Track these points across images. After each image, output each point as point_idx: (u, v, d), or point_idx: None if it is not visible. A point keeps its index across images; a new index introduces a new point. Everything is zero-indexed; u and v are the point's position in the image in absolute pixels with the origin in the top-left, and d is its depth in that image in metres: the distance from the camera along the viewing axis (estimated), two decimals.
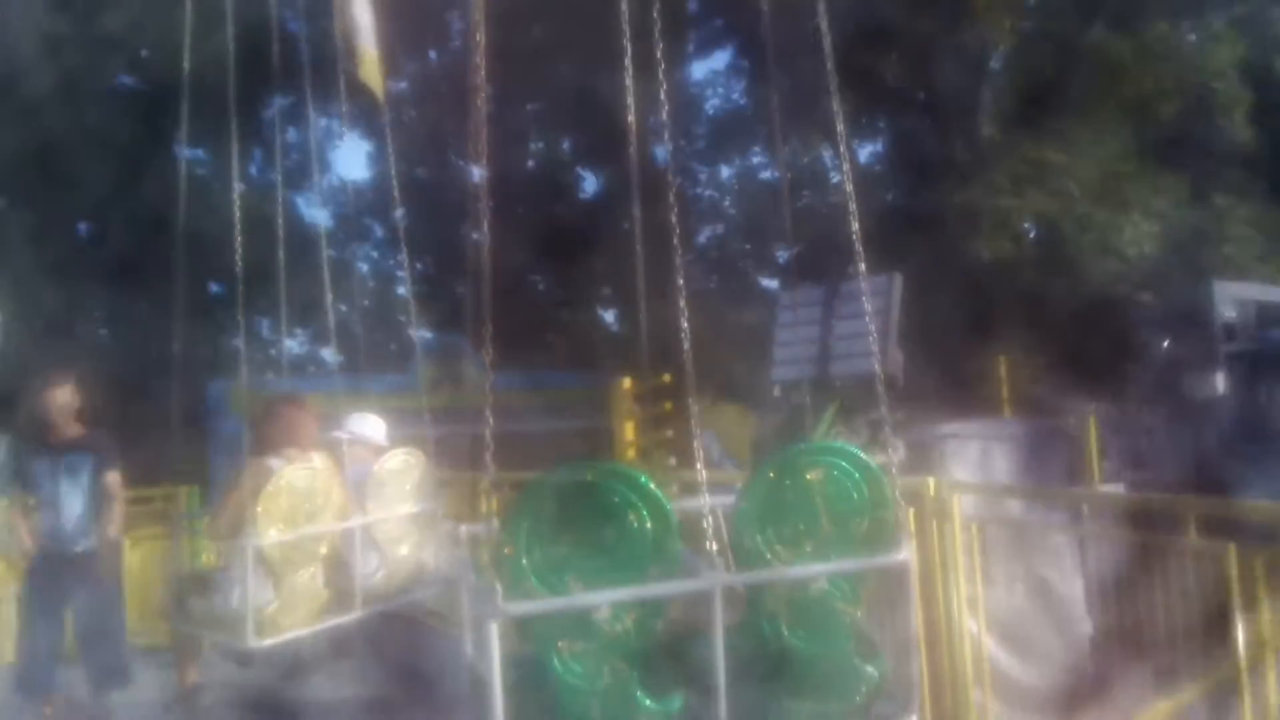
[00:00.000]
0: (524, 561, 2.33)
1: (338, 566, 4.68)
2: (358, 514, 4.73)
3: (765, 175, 21.58)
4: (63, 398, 5.51)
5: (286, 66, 6.13)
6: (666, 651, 2.48)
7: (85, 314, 17.01)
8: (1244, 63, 16.60)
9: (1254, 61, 16.71)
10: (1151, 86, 16.29)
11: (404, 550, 5.01)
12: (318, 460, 4.65)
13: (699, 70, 27.25)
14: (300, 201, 17.50)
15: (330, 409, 5.62)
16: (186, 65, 5.35)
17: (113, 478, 5.51)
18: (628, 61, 2.97)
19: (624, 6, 2.88)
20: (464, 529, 3.15)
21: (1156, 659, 4.19)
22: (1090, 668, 5.35)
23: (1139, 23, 16.54)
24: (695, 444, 2.70)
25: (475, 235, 14.23)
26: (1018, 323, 14.40)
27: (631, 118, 3.13)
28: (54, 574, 5.41)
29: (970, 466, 7.82)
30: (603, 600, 2.35)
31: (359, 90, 5.99)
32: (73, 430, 5.54)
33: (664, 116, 2.94)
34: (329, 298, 6.18)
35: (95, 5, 15.73)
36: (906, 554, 2.61)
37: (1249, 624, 3.46)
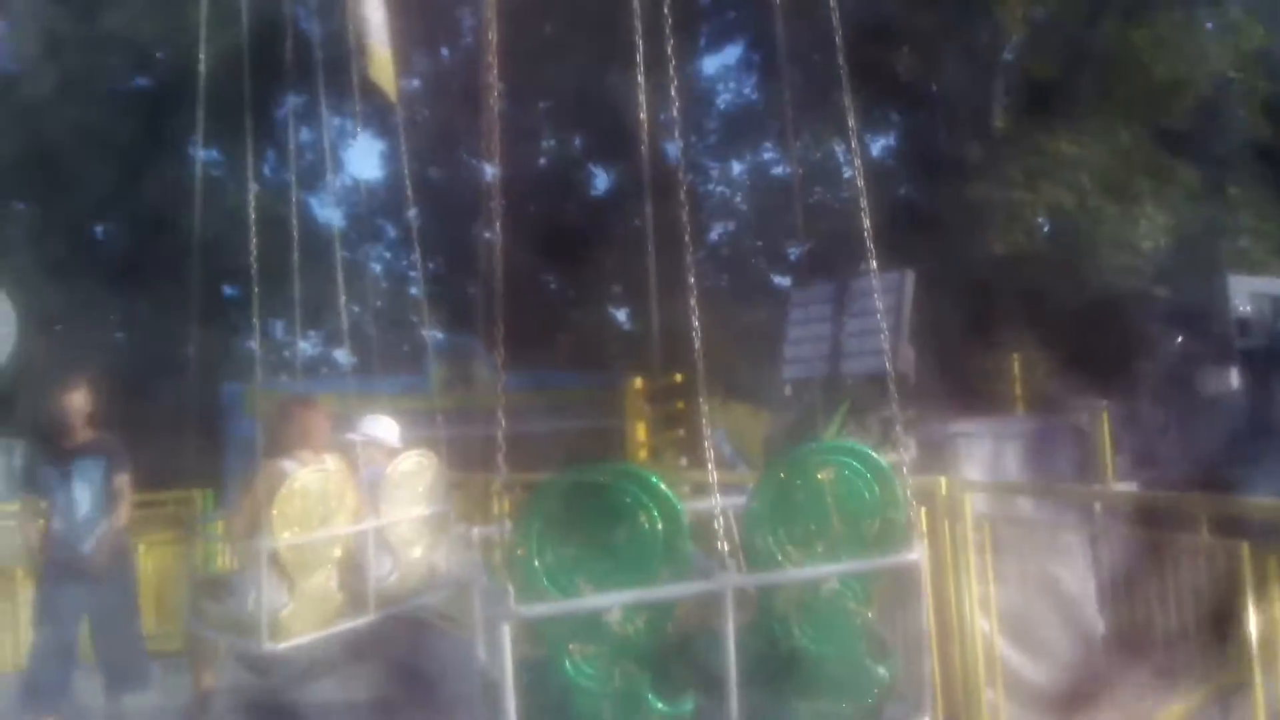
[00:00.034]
0: (536, 563, 2.34)
1: (351, 569, 4.68)
2: (371, 516, 4.73)
3: (777, 171, 21.49)
4: (76, 401, 5.48)
5: (299, 66, 6.14)
6: (677, 653, 2.49)
7: (98, 316, 17.05)
8: (1262, 52, 16.40)
9: (1272, 51, 16.51)
10: (1166, 77, 16.12)
11: (416, 553, 5.00)
12: (331, 463, 4.67)
13: (710, 65, 27.23)
14: (313, 202, 17.65)
15: (343, 410, 5.64)
16: (202, 66, 5.36)
17: (123, 480, 5.50)
18: (639, 58, 2.95)
19: (635, 2, 2.86)
20: (476, 531, 3.16)
21: (1169, 658, 4.17)
22: (1103, 667, 5.32)
23: (1154, 11, 16.36)
24: (706, 444, 2.70)
25: (487, 234, 14.27)
26: (1029, 319, 14.31)
27: (643, 114, 3.12)
28: (66, 580, 5.36)
29: (982, 465, 7.80)
30: (614, 602, 2.35)
31: (372, 89, 6.00)
32: (85, 434, 5.51)
33: (675, 113, 2.93)
34: (342, 299, 6.20)
35: (108, 4, 15.75)
36: (918, 554, 2.60)
37: (1262, 623, 3.44)
